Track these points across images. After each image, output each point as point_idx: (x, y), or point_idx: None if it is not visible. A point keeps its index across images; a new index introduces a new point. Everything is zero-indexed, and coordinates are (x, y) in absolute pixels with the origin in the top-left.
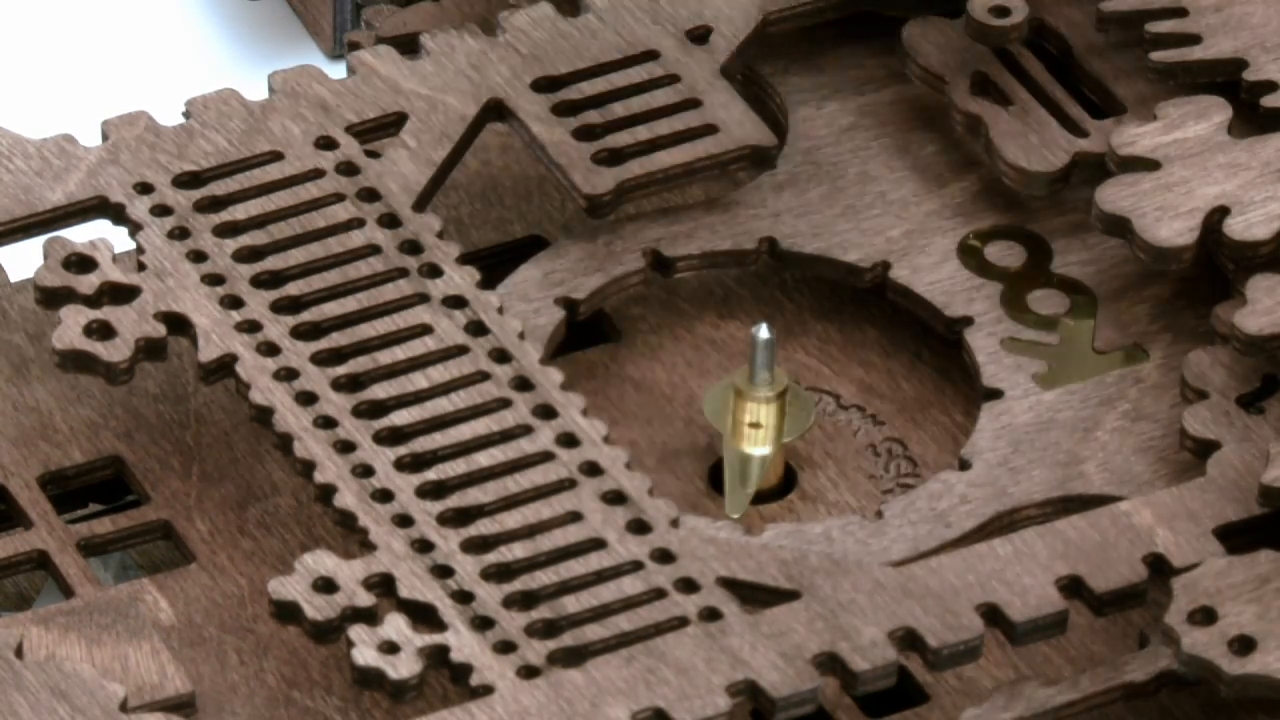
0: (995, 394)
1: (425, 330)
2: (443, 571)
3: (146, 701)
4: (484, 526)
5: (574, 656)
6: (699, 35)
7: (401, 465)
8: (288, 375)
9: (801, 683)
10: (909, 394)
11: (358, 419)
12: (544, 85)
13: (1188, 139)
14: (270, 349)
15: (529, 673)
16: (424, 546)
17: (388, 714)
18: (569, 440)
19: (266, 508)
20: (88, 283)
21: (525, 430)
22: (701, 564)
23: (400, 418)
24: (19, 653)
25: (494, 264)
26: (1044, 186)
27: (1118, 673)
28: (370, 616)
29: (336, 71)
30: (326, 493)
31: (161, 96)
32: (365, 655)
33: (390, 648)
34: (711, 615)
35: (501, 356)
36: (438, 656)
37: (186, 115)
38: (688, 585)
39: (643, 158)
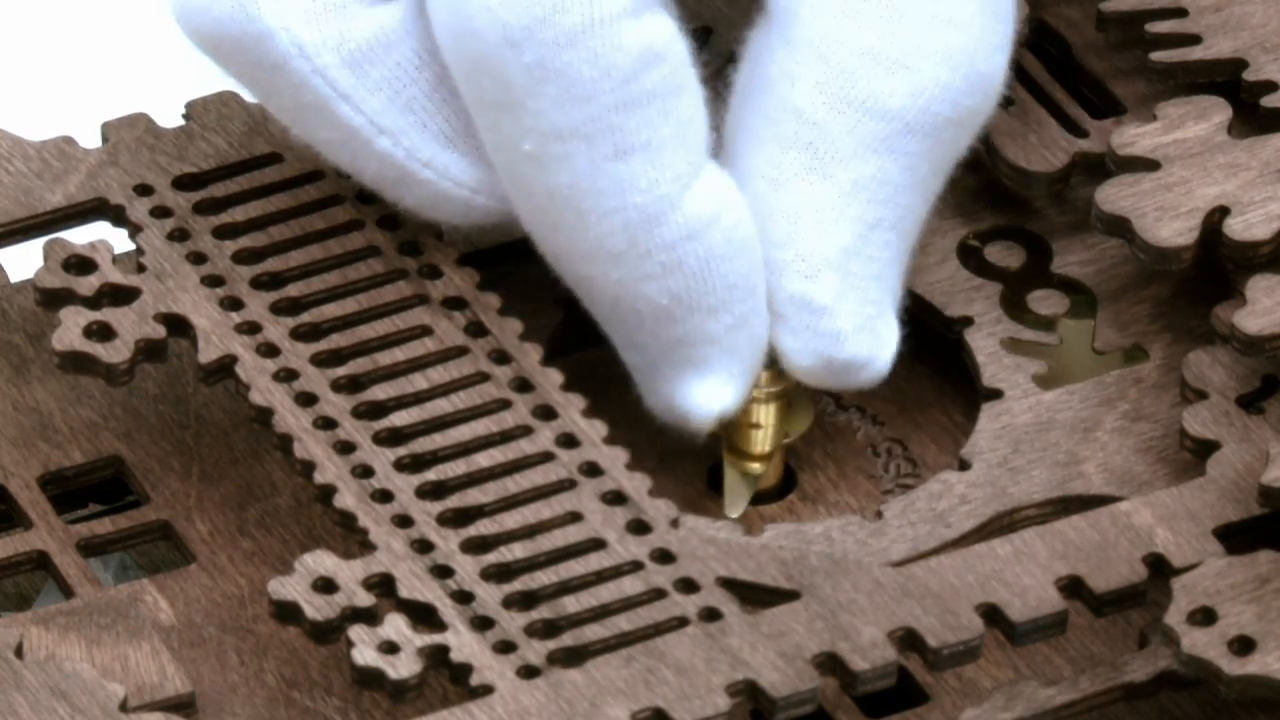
0: (995, 394)
1: (425, 331)
2: (442, 572)
3: (146, 701)
4: (484, 527)
5: (574, 656)
6: (699, 35)
7: (401, 466)
8: (287, 376)
9: (801, 683)
10: (909, 394)
11: (357, 420)
12: None
13: (1188, 139)
14: (270, 350)
15: (529, 673)
16: (424, 547)
17: (388, 714)
18: (569, 441)
19: (266, 508)
20: (87, 284)
21: (525, 431)
22: (701, 564)
23: (400, 419)
24: (19, 653)
25: (494, 264)
26: (1044, 186)
27: (1118, 673)
28: (370, 616)
29: None
30: (326, 493)
31: (161, 98)
32: (365, 655)
33: (390, 648)
34: (711, 615)
35: (501, 357)
36: (438, 656)
37: (186, 117)
38: (687, 585)
39: None
